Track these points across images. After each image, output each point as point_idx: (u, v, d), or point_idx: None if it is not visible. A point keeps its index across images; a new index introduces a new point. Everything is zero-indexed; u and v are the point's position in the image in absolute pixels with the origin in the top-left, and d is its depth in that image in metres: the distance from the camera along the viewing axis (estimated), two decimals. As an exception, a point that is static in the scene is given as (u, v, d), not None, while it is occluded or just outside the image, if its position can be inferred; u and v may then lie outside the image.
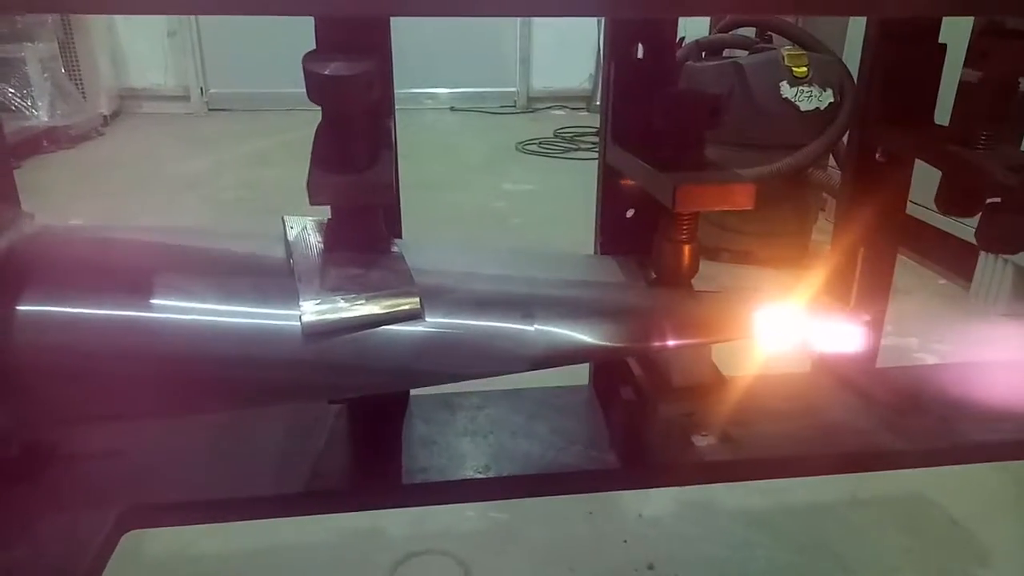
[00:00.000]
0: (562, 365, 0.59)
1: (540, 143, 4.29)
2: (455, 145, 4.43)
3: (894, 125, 0.73)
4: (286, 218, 0.62)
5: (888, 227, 0.74)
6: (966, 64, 0.70)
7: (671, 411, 0.55)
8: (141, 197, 3.29)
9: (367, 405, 0.71)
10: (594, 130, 4.48)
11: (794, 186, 2.40)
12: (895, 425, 0.69)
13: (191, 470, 0.63)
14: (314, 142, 0.57)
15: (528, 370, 0.58)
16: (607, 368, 0.73)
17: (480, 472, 0.63)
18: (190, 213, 3.06)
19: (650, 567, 1.22)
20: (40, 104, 3.89)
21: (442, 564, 1.22)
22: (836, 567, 1.23)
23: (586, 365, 0.77)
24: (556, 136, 4.47)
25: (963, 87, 0.71)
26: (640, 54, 0.66)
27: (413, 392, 0.74)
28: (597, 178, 0.71)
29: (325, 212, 0.61)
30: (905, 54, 0.71)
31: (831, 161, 2.55)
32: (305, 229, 0.61)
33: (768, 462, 0.64)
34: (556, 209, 3.12)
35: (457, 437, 0.68)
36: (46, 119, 3.90)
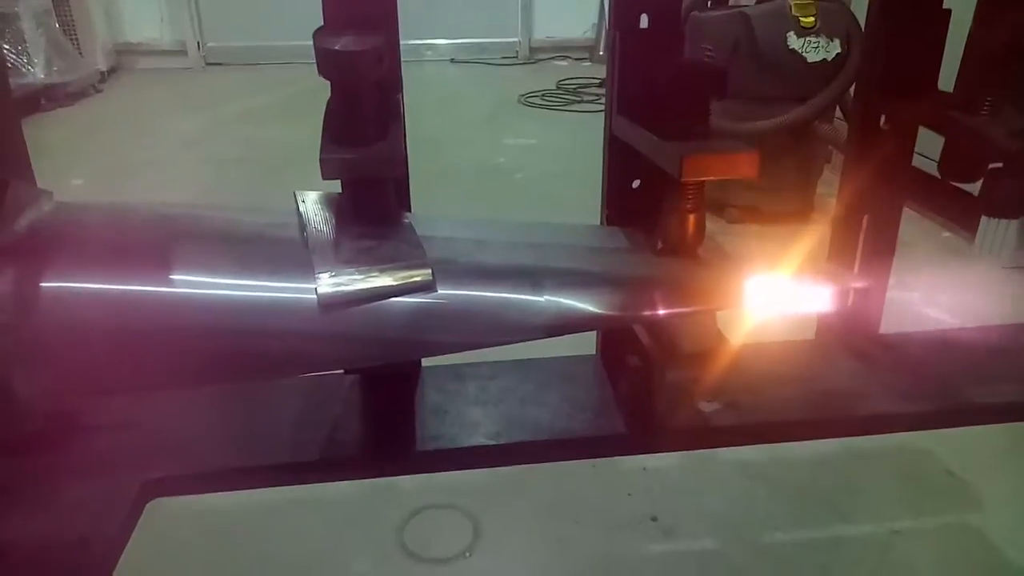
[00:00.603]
0: (571, 333, 0.61)
1: (543, 95, 4.25)
2: (456, 98, 4.38)
3: (898, 92, 0.73)
4: (298, 193, 0.63)
5: (892, 194, 0.75)
6: (971, 29, 0.69)
7: (678, 377, 0.57)
8: (141, 156, 3.28)
9: (380, 375, 0.72)
10: (598, 81, 4.42)
11: (799, 139, 2.38)
12: (899, 389, 0.70)
13: (211, 440, 0.65)
14: (324, 118, 0.57)
15: (539, 338, 0.60)
16: (614, 337, 0.74)
17: (491, 439, 0.65)
18: (191, 173, 3.05)
19: (653, 519, 1.26)
20: (36, 61, 3.84)
21: (451, 518, 1.26)
22: (832, 516, 1.27)
23: (594, 336, 0.78)
24: (559, 88, 4.42)
25: (967, 53, 0.71)
26: (645, 23, 0.66)
27: (425, 363, 0.76)
28: (603, 149, 0.72)
29: (336, 187, 0.62)
30: (909, 20, 0.70)
31: (837, 113, 2.52)
32: (317, 203, 0.62)
33: (773, 426, 0.65)
34: (559, 164, 3.11)
35: (468, 406, 0.70)
36: (43, 76, 3.86)
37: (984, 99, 0.70)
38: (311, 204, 0.62)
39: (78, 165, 3.07)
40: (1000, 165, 0.71)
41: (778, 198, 2.45)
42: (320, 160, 0.56)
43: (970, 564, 1.17)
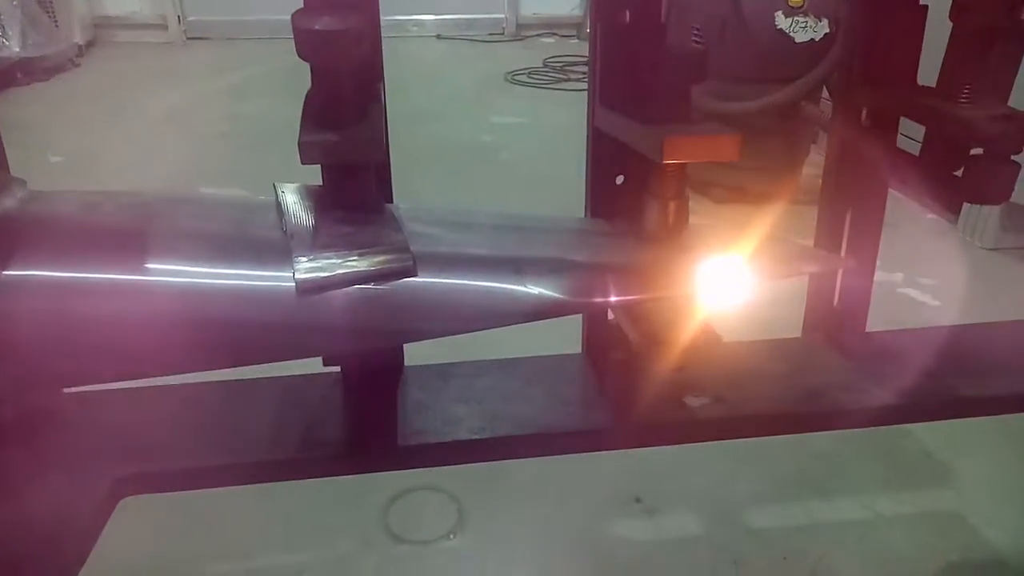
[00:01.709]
0: (551, 317, 0.60)
1: (529, 73, 4.21)
2: (441, 75, 4.33)
3: (878, 87, 0.73)
4: (278, 184, 0.62)
5: (874, 187, 0.75)
6: (949, 15, 0.69)
7: (663, 368, 0.57)
8: (121, 132, 3.22)
9: (362, 373, 0.71)
10: (585, 59, 4.38)
11: (786, 120, 2.37)
12: (884, 383, 0.70)
13: (186, 437, 0.64)
14: (304, 102, 0.56)
15: (519, 323, 0.60)
16: (599, 333, 0.73)
17: (475, 434, 0.64)
18: (172, 149, 3.01)
19: (637, 500, 1.27)
20: (11, 34, 3.75)
21: (436, 500, 1.26)
22: (814, 495, 1.29)
23: (579, 333, 0.77)
24: (546, 66, 4.38)
25: (948, 43, 0.71)
26: (627, 17, 0.65)
27: (408, 362, 0.75)
28: (586, 143, 0.71)
29: (317, 180, 0.60)
30: (886, 15, 0.70)
31: (824, 93, 2.52)
32: (297, 193, 0.61)
33: (759, 419, 0.66)
34: (546, 143, 3.09)
35: (452, 403, 0.69)
36: (17, 50, 3.77)
37: (963, 88, 0.70)
38: (290, 194, 0.60)
39: (56, 142, 3.01)
40: (981, 152, 0.71)
41: (765, 178, 2.45)
42: (299, 144, 0.55)
43: (948, 542, 1.19)
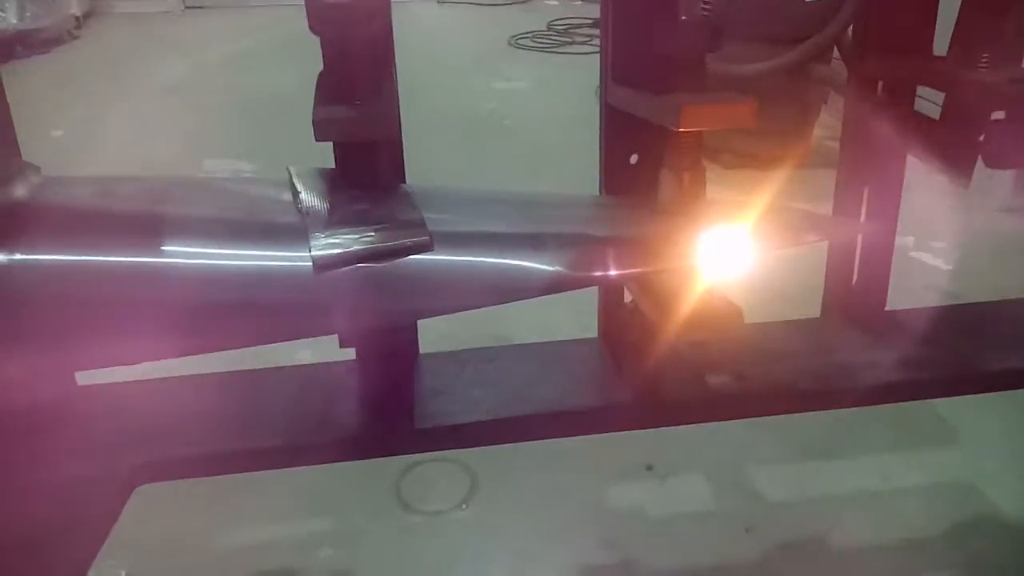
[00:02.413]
0: (568, 290, 0.60)
1: (533, 37, 4.14)
2: (443, 40, 4.27)
3: (893, 58, 0.72)
4: (291, 168, 0.61)
5: (892, 167, 0.74)
6: None
7: (683, 344, 0.56)
8: (122, 105, 3.20)
9: (377, 359, 0.71)
10: (591, 21, 4.31)
11: (796, 82, 2.33)
12: (905, 359, 0.70)
13: (201, 425, 0.64)
14: (318, 81, 0.55)
15: (535, 296, 0.59)
16: (615, 315, 0.72)
17: (492, 415, 0.64)
18: (173, 122, 2.98)
19: (648, 468, 1.28)
20: (8, 6, 3.70)
21: (450, 471, 1.27)
22: (825, 459, 1.29)
23: (595, 317, 0.77)
24: (550, 29, 4.31)
25: (962, 10, 0.69)
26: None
27: (422, 350, 0.74)
28: (599, 122, 0.70)
29: (326, 156, 0.60)
30: None
31: (835, 54, 2.47)
32: (311, 175, 0.60)
33: (780, 395, 0.65)
34: (551, 109, 3.05)
35: (468, 386, 0.69)
36: (15, 22, 3.73)
37: (981, 56, 0.69)
38: (304, 176, 0.60)
39: (56, 115, 2.99)
40: (1002, 117, 0.70)
41: (775, 142, 2.42)
42: (313, 121, 0.54)
43: (959, 507, 1.20)
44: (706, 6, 0.60)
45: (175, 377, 0.69)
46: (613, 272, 0.59)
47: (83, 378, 0.67)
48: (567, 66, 3.68)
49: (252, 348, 0.58)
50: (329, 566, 1.12)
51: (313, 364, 0.72)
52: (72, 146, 2.74)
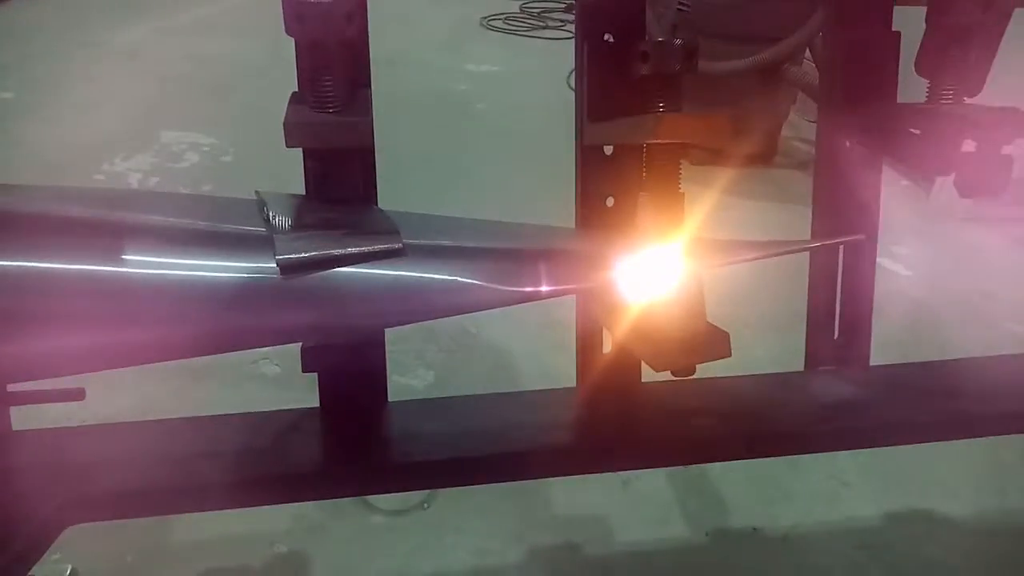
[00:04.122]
0: (534, 300, 0.59)
1: (505, 19, 4.08)
2: (413, 19, 4.18)
3: (860, 110, 0.75)
4: (260, 191, 0.58)
5: (867, 212, 0.75)
6: (926, 20, 0.73)
7: (670, 370, 0.55)
8: (78, 69, 3.06)
9: (341, 404, 0.68)
10: (563, 6, 4.27)
11: (767, 81, 2.34)
12: (890, 405, 0.70)
13: (139, 466, 0.61)
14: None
15: (501, 306, 0.59)
16: (594, 363, 0.71)
17: (466, 454, 0.62)
18: (132, 90, 2.87)
19: (624, 483, 1.27)
20: (-45, -43, 3.52)
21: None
22: (784, 465, 1.30)
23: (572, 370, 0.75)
24: (522, 12, 4.26)
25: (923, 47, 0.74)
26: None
27: (392, 398, 0.72)
28: (575, 164, 0.69)
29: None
30: (861, 40, 0.73)
31: (807, 55, 2.49)
32: (280, 197, 0.57)
33: (763, 438, 0.65)
34: (523, 94, 3.01)
35: (440, 429, 0.67)
36: (-40, -26, 3.55)
37: (946, 89, 0.73)
38: (273, 196, 0.57)
39: (7, 76, 2.86)
40: (973, 149, 0.72)
41: (743, 140, 2.43)
42: (284, 125, 0.51)
43: (913, 512, 1.22)
44: (683, 4, 0.60)
45: (121, 423, 0.66)
46: (580, 285, 0.60)
47: (18, 422, 0.64)
48: (539, 51, 3.62)
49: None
50: (288, 563, 1.10)
51: (263, 413, 0.69)
52: (22, 109, 2.63)
